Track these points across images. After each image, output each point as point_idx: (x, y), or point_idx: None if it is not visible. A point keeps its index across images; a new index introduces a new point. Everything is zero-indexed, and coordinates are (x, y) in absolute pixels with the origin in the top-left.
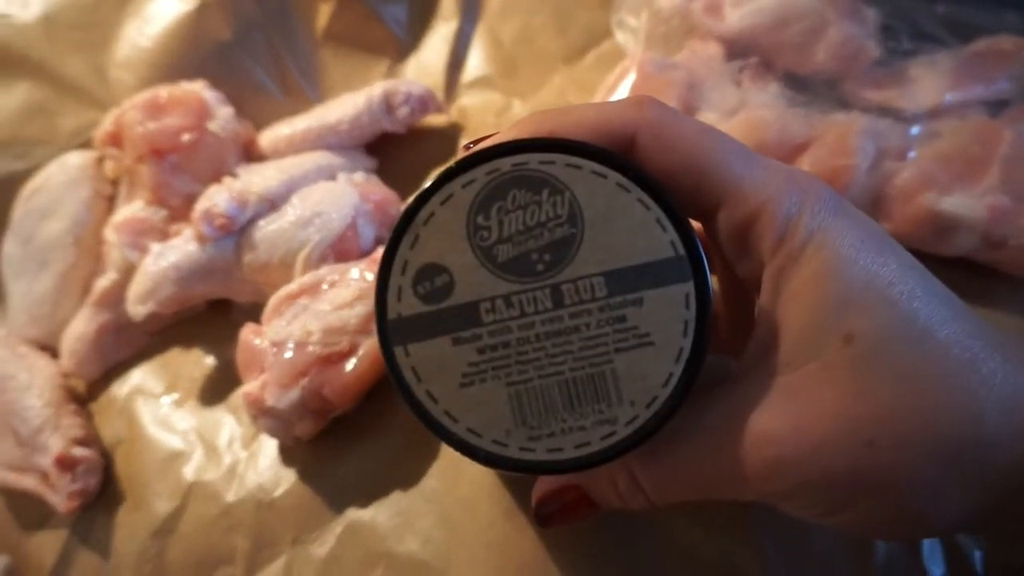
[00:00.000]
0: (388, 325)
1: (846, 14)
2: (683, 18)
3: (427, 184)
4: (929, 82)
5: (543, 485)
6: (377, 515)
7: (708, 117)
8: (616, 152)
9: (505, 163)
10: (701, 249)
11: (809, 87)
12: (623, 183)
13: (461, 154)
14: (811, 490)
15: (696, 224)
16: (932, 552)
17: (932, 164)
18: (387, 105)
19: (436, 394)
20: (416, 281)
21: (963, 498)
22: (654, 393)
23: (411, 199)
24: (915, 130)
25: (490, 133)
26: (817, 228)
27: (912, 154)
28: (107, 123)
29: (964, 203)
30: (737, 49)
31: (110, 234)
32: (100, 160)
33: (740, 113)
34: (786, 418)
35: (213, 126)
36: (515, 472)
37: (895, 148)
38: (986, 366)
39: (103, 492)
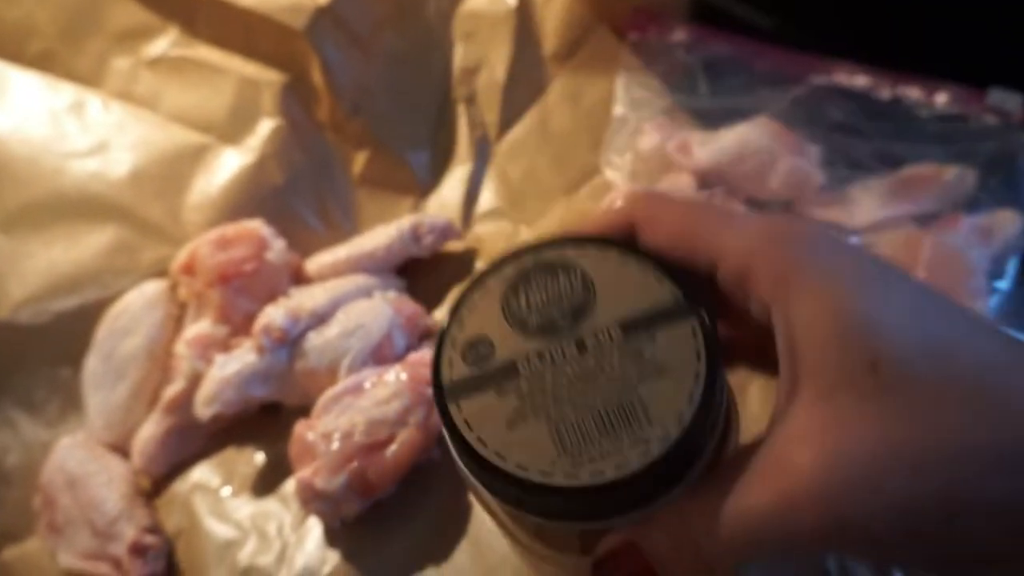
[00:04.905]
0: (444, 388)
1: (792, 150)
2: (660, 157)
3: (467, 284)
4: (866, 203)
5: (599, 548)
6: None
7: None
8: (610, 236)
9: (526, 258)
10: (696, 292)
11: (768, 208)
12: (623, 257)
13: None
14: (864, 526)
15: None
16: None
17: None
18: (414, 234)
19: (486, 438)
20: (464, 352)
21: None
22: (680, 410)
23: (457, 296)
24: (855, 240)
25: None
26: (813, 263)
27: None
28: (182, 256)
29: None
30: (706, 180)
31: (181, 348)
32: (173, 287)
33: None
34: (825, 450)
35: (270, 256)
36: (562, 507)
37: None
38: (1016, 372)
39: None
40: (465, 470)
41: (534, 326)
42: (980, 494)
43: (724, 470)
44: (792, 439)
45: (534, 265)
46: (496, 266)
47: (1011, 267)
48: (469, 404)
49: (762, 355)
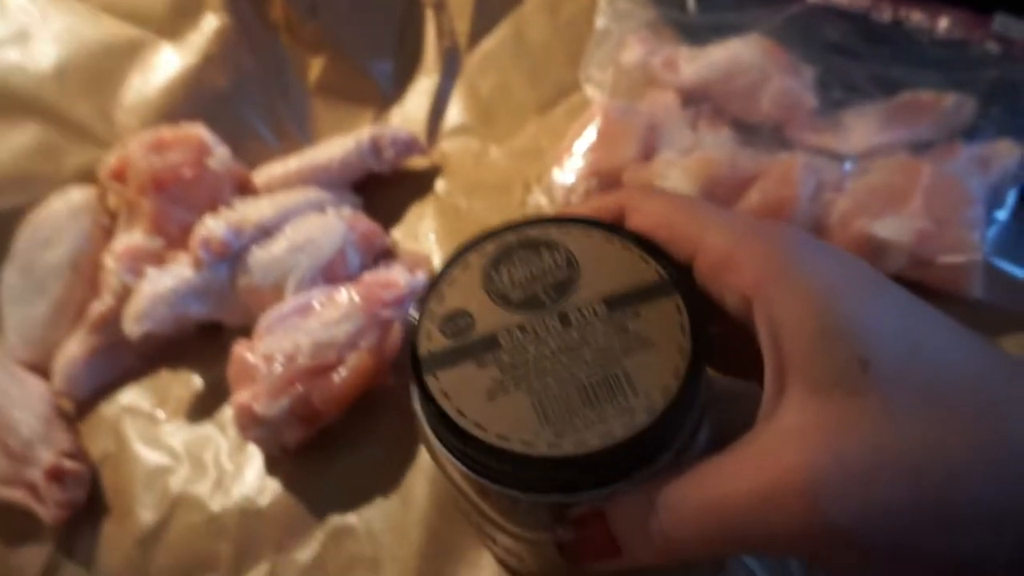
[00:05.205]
0: (420, 359)
1: (785, 69)
2: (644, 71)
3: (448, 258)
4: (860, 128)
5: (568, 517)
6: (359, 521)
7: (667, 156)
8: (596, 218)
9: (508, 235)
10: (680, 271)
11: (756, 132)
12: (608, 237)
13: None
14: (854, 529)
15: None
16: None
17: (864, 194)
18: (374, 147)
19: (465, 409)
20: (443, 324)
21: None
22: (666, 383)
23: (437, 271)
24: (848, 166)
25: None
26: (798, 262)
27: (848, 184)
28: (112, 159)
29: (893, 227)
30: (692, 98)
31: (109, 261)
32: (101, 194)
33: (695, 153)
34: (818, 447)
35: (212, 162)
36: (543, 478)
37: (832, 181)
38: (1003, 383)
39: (89, 505)
40: (439, 444)
41: (516, 301)
42: (981, 507)
43: (700, 460)
44: (782, 434)
45: (516, 242)
46: (476, 242)
47: (1010, 198)
48: (447, 375)
49: (733, 352)
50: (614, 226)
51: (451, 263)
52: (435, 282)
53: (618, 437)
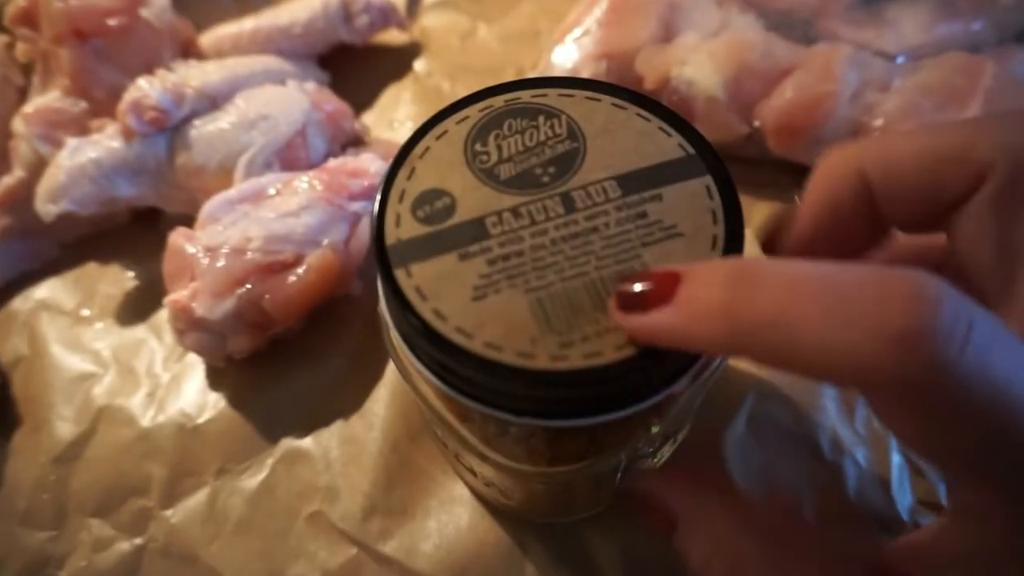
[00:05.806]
0: (387, 249)
1: None
2: None
3: (418, 126)
4: (907, 23)
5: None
6: (315, 444)
7: (689, 38)
8: (606, 81)
9: (498, 100)
10: (710, 147)
11: (785, 23)
12: (618, 103)
13: None
14: None
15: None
16: (901, 483)
17: (915, 95)
18: (345, 12)
19: (445, 311)
20: (415, 206)
21: None
22: None
23: (405, 140)
24: (900, 59)
25: None
26: None
27: (896, 82)
28: None
29: None
30: None
31: (18, 125)
32: (10, 44)
33: (723, 34)
34: None
35: (147, 13)
36: (543, 399)
37: (878, 79)
38: None
39: None
40: (411, 355)
41: (507, 178)
42: None
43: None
44: None
45: (507, 108)
46: (455, 107)
47: None
48: (422, 269)
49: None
50: (626, 89)
51: (423, 131)
52: (403, 153)
53: (638, 347)
